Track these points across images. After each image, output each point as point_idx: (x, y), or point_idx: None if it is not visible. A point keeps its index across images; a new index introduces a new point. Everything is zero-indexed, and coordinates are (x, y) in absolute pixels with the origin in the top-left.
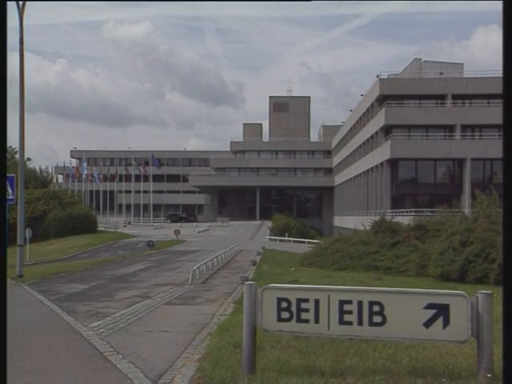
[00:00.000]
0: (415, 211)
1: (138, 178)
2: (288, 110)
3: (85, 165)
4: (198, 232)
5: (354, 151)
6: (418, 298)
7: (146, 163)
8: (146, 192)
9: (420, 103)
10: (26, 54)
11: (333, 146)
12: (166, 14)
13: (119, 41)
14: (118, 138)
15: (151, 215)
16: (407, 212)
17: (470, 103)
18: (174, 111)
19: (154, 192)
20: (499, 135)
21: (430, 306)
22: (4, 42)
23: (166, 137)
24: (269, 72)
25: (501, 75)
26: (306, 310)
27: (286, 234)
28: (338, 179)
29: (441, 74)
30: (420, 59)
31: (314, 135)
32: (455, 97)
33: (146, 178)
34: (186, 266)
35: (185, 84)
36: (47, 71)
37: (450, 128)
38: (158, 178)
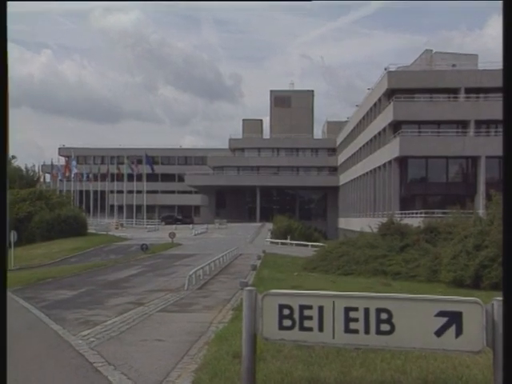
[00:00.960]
0: (426, 212)
1: (130, 178)
2: (290, 104)
3: (74, 163)
4: (195, 235)
5: (360, 149)
6: (428, 304)
7: (139, 161)
8: (139, 192)
9: (431, 97)
10: (8, 44)
11: (338, 143)
12: (157, 1)
13: (107, 30)
14: (109, 134)
15: (145, 217)
16: (417, 213)
17: (485, 97)
18: (167, 106)
19: (148, 192)
20: None
21: (441, 314)
22: (4, 42)
23: (159, 133)
24: (269, 64)
25: None
26: (310, 318)
27: (288, 237)
28: (344, 178)
29: (453, 65)
30: (431, 50)
31: (318, 132)
32: (469, 90)
33: (139, 178)
34: (182, 270)
35: (178, 77)
36: (31, 63)
37: (463, 124)
38: (151, 178)
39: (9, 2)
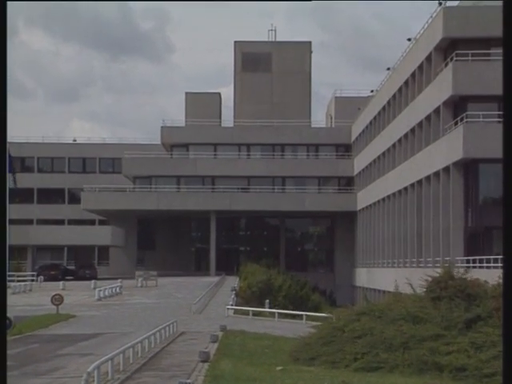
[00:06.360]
0: None
1: None
2: (270, 67)
3: None
4: (99, 298)
5: (393, 146)
6: None
7: None
8: None
9: None
10: None
11: (354, 135)
12: None
13: None
14: None
15: (7, 267)
16: (496, 260)
17: None
18: (38, 65)
19: (14, 222)
20: None
21: None
22: (4, 42)
23: (29, 116)
24: None
25: None
26: None
27: (267, 302)
28: (365, 198)
29: None
30: None
31: (319, 115)
32: None
33: None
34: (75, 364)
35: (51, 14)
36: None
37: None
38: (21, 195)
39: (9, 2)
